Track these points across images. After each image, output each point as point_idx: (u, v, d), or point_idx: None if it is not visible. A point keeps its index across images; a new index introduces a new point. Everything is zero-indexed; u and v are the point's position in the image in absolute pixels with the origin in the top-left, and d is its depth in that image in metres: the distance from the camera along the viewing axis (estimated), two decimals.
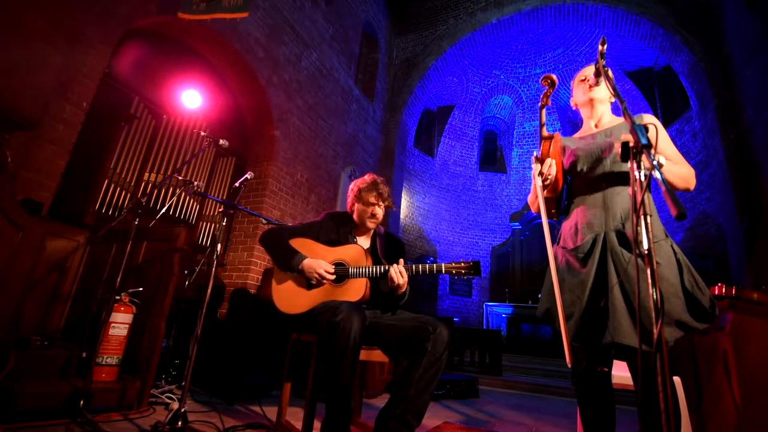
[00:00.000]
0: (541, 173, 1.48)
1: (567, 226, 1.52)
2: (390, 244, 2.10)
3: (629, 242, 1.31)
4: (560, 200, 1.56)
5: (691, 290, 1.26)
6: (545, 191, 1.49)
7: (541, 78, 1.58)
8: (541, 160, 1.52)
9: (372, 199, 1.95)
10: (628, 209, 1.36)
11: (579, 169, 1.51)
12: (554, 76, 1.59)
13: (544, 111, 1.62)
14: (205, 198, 4.43)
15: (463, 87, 9.88)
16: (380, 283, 1.86)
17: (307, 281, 1.85)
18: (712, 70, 5.52)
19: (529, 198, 1.66)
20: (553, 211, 1.55)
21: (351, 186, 2.05)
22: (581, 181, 1.52)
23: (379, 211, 1.98)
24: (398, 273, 1.75)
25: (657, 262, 1.26)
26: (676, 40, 5.94)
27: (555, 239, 1.54)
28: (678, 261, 1.29)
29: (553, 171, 1.47)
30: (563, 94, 9.53)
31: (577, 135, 1.66)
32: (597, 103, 1.60)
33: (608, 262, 1.32)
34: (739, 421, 1.49)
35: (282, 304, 1.85)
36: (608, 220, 1.39)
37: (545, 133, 1.58)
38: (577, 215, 1.49)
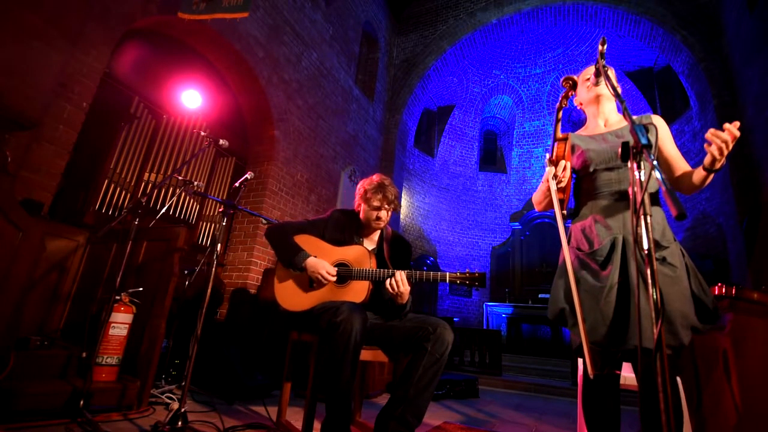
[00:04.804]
0: (555, 176, 1.42)
1: (579, 227, 1.49)
2: (396, 246, 2.07)
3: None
4: (566, 201, 1.54)
5: (698, 293, 1.27)
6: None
7: (562, 79, 1.53)
8: (555, 162, 1.46)
9: (376, 203, 1.93)
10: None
11: (592, 170, 1.48)
12: (576, 77, 1.54)
13: (561, 112, 1.56)
14: (205, 198, 4.43)
15: (463, 87, 9.88)
16: (382, 287, 1.86)
17: (310, 279, 1.85)
18: (712, 70, 5.52)
19: (535, 197, 1.60)
20: (563, 212, 1.51)
21: (359, 185, 2.03)
22: (593, 182, 1.49)
23: (384, 215, 1.96)
24: (395, 283, 1.71)
25: (673, 265, 1.26)
26: (676, 40, 5.94)
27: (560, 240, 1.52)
28: (686, 264, 1.30)
29: (568, 173, 1.43)
30: None
31: (584, 133, 1.61)
32: (604, 99, 1.57)
33: (629, 265, 1.29)
34: (739, 422, 1.49)
35: (284, 301, 1.86)
36: (627, 223, 1.36)
37: (560, 134, 1.51)
38: (591, 217, 1.46)
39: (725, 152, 1.21)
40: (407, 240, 2.15)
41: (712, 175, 1.30)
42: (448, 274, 1.73)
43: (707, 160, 1.25)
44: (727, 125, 1.20)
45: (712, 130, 1.21)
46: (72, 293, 2.56)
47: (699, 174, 1.32)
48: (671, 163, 1.45)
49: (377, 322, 1.83)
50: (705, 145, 1.24)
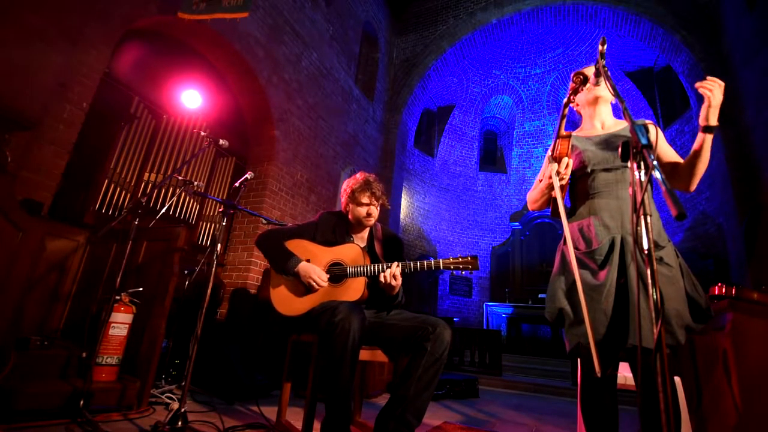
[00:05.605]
0: (558, 172, 1.40)
1: (576, 227, 1.48)
2: (387, 242, 2.08)
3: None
4: (563, 200, 1.53)
5: (692, 293, 1.28)
6: (553, 191, 1.42)
7: (573, 74, 1.49)
8: (557, 159, 1.43)
9: (365, 200, 1.93)
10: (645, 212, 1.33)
11: (589, 170, 1.48)
12: (586, 71, 1.49)
13: (567, 108, 1.51)
14: (205, 198, 4.43)
15: (463, 87, 9.88)
16: (378, 281, 1.86)
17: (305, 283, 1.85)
18: (712, 70, 5.52)
19: (530, 195, 1.59)
20: (563, 211, 1.50)
21: (344, 186, 2.02)
22: (591, 182, 1.49)
23: (374, 211, 1.96)
24: (389, 275, 1.74)
25: (670, 265, 1.27)
26: (676, 40, 5.94)
27: (560, 239, 1.52)
28: (680, 265, 1.31)
29: (569, 171, 1.42)
30: (562, 93, 9.53)
31: (581, 133, 1.61)
32: (602, 101, 1.58)
33: (629, 265, 1.29)
34: (739, 421, 1.49)
35: (281, 306, 1.85)
36: (625, 223, 1.37)
37: (564, 131, 1.47)
38: (588, 217, 1.45)
39: (716, 95, 1.27)
40: (398, 236, 2.15)
41: (710, 140, 1.30)
42: (441, 260, 1.73)
43: (702, 111, 1.29)
44: (708, 77, 1.29)
45: (697, 82, 1.31)
46: (72, 293, 2.56)
47: (697, 142, 1.32)
48: (666, 160, 1.45)
49: (377, 320, 1.83)
50: (698, 89, 1.31)
